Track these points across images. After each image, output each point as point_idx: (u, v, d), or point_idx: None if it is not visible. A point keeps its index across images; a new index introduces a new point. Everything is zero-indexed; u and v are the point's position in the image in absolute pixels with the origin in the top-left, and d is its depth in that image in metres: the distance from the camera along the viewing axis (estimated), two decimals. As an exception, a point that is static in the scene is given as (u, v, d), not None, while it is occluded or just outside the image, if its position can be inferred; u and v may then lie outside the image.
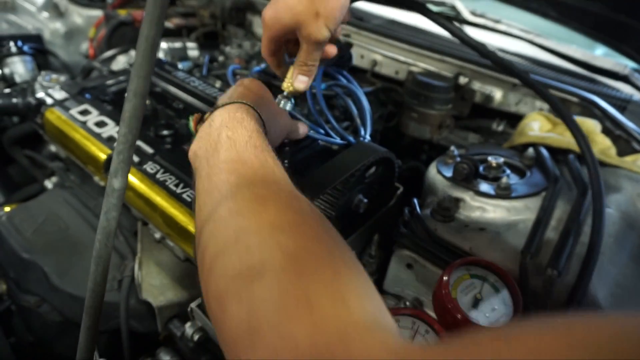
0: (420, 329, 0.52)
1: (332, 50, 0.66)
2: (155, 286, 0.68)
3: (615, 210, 0.71)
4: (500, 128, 1.06)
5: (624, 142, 0.87)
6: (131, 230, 0.79)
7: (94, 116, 0.85)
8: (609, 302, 0.59)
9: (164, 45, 1.22)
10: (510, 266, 0.64)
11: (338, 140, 0.84)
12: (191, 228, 0.64)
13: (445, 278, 0.55)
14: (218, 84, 1.12)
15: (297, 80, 0.63)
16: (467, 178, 0.74)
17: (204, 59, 1.19)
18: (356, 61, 1.23)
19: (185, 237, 0.65)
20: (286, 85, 0.68)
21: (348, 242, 0.73)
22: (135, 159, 0.75)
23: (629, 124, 0.88)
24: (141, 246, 0.73)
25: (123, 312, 0.67)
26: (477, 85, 1.09)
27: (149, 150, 0.78)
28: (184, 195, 0.68)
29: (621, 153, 0.84)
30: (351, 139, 0.85)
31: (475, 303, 0.55)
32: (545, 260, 0.62)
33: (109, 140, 0.79)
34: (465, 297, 0.56)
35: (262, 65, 1.06)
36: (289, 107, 0.69)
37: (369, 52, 1.22)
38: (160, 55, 1.21)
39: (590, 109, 0.93)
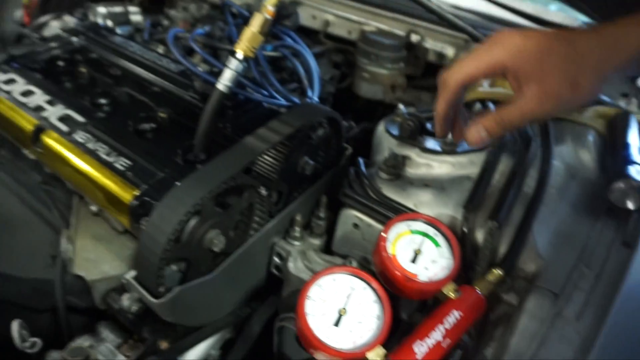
0: (357, 286, 0.51)
1: None
2: (90, 260, 0.65)
3: (559, 161, 0.71)
4: (453, 86, 1.05)
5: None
6: (68, 204, 0.75)
7: (20, 85, 0.79)
8: (548, 250, 0.60)
9: (102, 9, 1.14)
10: (455, 221, 0.64)
11: (283, 102, 0.81)
12: (123, 197, 0.61)
13: (383, 234, 0.54)
14: (160, 49, 1.07)
15: (476, 132, 0.53)
16: (412, 135, 0.73)
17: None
18: (308, 22, 1.18)
19: (119, 208, 0.62)
20: (242, 47, 0.66)
21: (296, 203, 0.71)
22: (64, 128, 0.71)
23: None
24: (75, 220, 0.70)
25: (58, 289, 0.65)
26: (429, 44, 1.07)
27: (80, 119, 0.73)
28: (116, 165, 0.64)
29: (568, 105, 0.84)
30: (297, 100, 0.82)
31: (415, 258, 0.55)
32: (488, 213, 0.62)
33: (37, 110, 0.74)
34: (404, 253, 0.55)
35: (206, 28, 1.01)
36: (240, 69, 0.67)
37: (320, 12, 1.18)
38: (99, 20, 1.14)
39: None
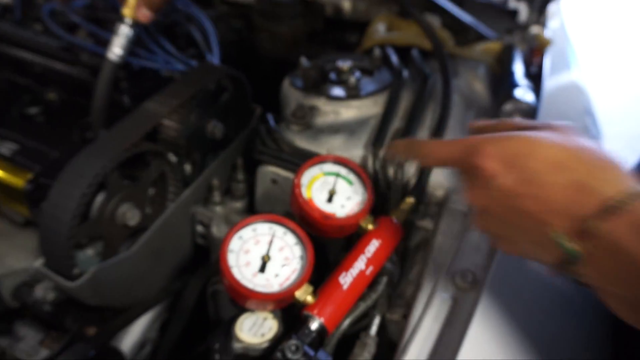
0: (277, 232, 0.52)
1: None
2: (-10, 256, 0.59)
3: (457, 94, 0.76)
4: (354, 39, 1.07)
5: (461, 34, 0.92)
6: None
7: None
8: (453, 176, 0.64)
9: (-39, -9, 1.01)
10: (367, 159, 0.66)
11: (182, 67, 0.78)
12: (15, 183, 0.56)
13: (296, 180, 0.55)
14: (39, 26, 0.97)
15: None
16: (316, 85, 0.73)
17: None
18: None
19: (13, 196, 0.57)
20: (129, 12, 0.64)
21: (211, 168, 0.70)
22: None
23: (465, 18, 0.93)
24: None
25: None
26: (324, -2, 1.07)
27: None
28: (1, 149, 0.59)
29: (458, 44, 0.89)
30: (194, 64, 0.79)
31: (330, 197, 0.56)
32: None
33: None
34: (320, 195, 0.56)
35: (87, -1, 0.93)
36: (131, 35, 0.65)
37: (212, -25, 1.13)
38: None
39: (430, 6, 0.96)
